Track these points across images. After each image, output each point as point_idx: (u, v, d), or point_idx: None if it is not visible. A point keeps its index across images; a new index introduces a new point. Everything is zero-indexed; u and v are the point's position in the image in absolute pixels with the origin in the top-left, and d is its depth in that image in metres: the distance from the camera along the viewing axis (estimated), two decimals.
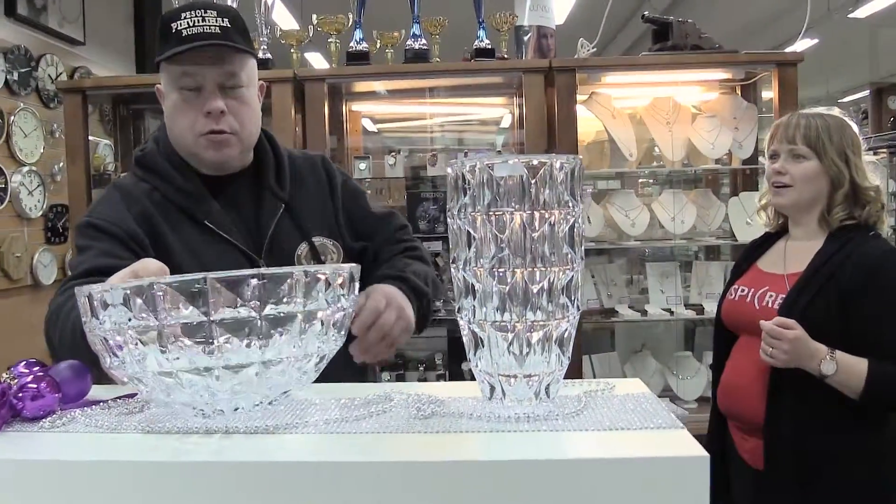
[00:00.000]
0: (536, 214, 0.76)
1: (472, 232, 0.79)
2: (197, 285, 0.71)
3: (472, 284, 0.80)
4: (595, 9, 3.04)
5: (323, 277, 0.79)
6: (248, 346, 0.74)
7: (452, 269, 0.82)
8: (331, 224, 1.40)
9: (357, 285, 0.87)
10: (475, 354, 0.82)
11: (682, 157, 3.04)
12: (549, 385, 0.82)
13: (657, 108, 3.04)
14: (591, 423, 0.78)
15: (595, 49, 3.00)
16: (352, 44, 2.90)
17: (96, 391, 0.95)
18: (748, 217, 2.98)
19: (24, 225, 4.05)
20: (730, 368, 1.77)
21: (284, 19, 5.44)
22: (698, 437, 0.72)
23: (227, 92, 1.25)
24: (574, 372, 2.83)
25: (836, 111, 1.74)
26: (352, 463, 0.70)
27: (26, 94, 4.05)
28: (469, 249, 0.79)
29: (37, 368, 0.92)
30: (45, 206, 4.15)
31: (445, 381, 3.14)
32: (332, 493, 0.69)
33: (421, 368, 3.23)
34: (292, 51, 3.18)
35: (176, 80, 1.24)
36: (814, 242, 1.69)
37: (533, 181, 0.76)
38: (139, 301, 0.72)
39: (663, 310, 3.03)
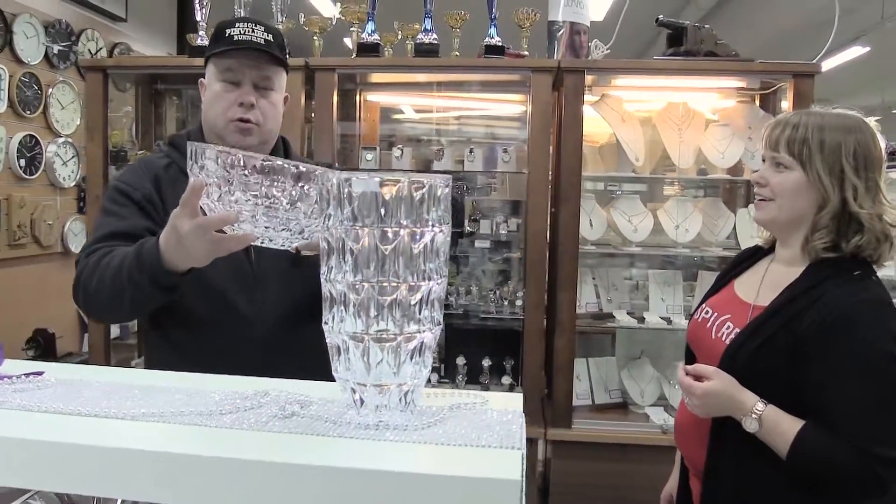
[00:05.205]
0: (389, 230, 0.78)
1: (331, 242, 0.81)
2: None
3: (332, 294, 0.83)
4: (635, 7, 2.98)
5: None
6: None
7: (322, 279, 0.85)
8: None
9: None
10: (337, 360, 0.85)
11: (692, 165, 2.99)
12: (406, 394, 0.84)
13: (670, 113, 2.99)
14: (434, 437, 0.80)
15: (609, 51, 2.97)
16: (364, 35, 2.93)
17: (7, 366, 1.01)
18: (755, 230, 2.91)
19: (57, 194, 4.22)
20: (683, 401, 1.50)
21: (324, 5, 5.51)
22: None
23: (260, 91, 1.51)
24: (566, 375, 2.85)
25: (853, 112, 1.42)
26: (181, 455, 0.74)
27: (65, 68, 4.20)
28: (330, 259, 0.82)
29: None
30: (78, 177, 4.31)
31: (440, 374, 3.17)
32: (155, 482, 0.74)
33: None
34: (315, 38, 3.24)
35: (221, 73, 1.50)
36: (794, 270, 1.42)
37: (386, 198, 0.78)
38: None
39: (662, 318, 3.00)
